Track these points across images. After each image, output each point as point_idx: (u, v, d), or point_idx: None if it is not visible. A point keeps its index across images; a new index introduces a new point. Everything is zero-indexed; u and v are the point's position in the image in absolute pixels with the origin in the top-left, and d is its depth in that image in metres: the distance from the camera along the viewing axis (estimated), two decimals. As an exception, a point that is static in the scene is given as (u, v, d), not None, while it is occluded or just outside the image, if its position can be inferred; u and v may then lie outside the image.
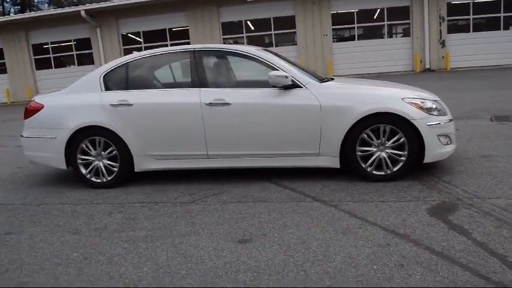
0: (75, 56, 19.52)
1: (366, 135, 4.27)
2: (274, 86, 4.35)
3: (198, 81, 4.53)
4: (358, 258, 2.72)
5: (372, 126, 4.24)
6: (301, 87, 4.36)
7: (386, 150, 4.28)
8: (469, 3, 16.66)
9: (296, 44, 17.27)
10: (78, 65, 19.43)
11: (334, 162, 4.38)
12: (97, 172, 4.66)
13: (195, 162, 4.60)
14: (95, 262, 2.93)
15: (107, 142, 4.59)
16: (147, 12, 17.38)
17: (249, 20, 17.28)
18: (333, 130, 4.28)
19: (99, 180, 4.67)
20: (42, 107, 4.74)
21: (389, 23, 16.96)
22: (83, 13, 17.34)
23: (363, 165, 4.32)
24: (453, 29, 16.87)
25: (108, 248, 3.16)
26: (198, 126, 4.45)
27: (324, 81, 4.59)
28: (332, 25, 16.89)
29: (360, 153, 4.31)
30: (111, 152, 4.60)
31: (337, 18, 16.96)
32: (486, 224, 3.09)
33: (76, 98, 4.72)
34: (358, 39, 17.13)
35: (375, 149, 4.29)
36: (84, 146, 4.61)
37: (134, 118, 4.53)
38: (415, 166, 4.35)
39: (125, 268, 2.82)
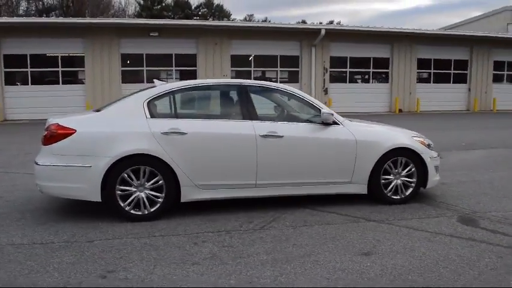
0: None
1: (388, 166, 5.00)
2: (319, 122, 4.86)
3: (248, 114, 4.69)
4: (469, 256, 3.48)
5: (392, 158, 5.01)
6: (339, 124, 4.94)
7: (401, 178, 5.08)
8: (346, 57, 19.47)
9: (196, 82, 17.62)
10: None
11: (363, 189, 5.02)
12: (137, 204, 4.33)
13: (242, 191, 4.66)
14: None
15: (152, 172, 4.33)
16: (35, 34, 15.78)
17: (150, 54, 17.06)
18: (364, 161, 4.92)
19: (139, 213, 4.33)
20: (73, 132, 4.24)
21: (281, 69, 18.64)
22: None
23: (385, 191, 5.03)
24: (333, 79, 19.42)
25: (262, 273, 3.14)
26: (251, 156, 4.57)
27: None
28: (231, 67, 17.79)
29: (383, 181, 5.02)
30: (156, 182, 4.34)
31: (236, 61, 17.97)
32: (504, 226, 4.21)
33: (115, 124, 4.37)
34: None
35: (393, 177, 5.04)
36: (126, 175, 4.26)
37: (187, 147, 4.41)
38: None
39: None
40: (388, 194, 5.05)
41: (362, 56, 19.63)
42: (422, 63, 20.50)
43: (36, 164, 4.31)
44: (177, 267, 3.27)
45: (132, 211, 4.32)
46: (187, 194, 4.47)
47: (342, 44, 18.88)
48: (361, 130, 5.06)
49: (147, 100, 4.52)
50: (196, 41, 17.32)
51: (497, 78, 22.01)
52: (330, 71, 19.07)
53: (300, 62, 18.69)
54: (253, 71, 18.41)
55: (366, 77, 20.44)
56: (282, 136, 4.67)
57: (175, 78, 17.75)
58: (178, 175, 4.38)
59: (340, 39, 18.62)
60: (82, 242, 3.76)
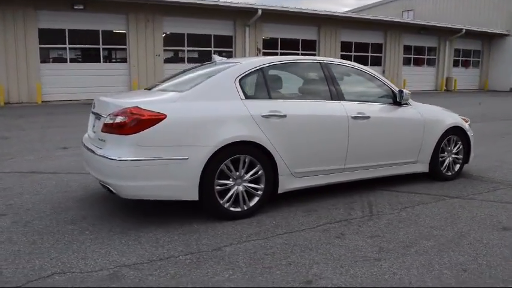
0: None
1: (444, 144, 5.09)
2: (394, 103, 4.76)
3: (336, 94, 4.38)
4: None
5: (448, 137, 5.11)
6: (409, 104, 4.86)
7: (452, 155, 5.23)
8: (277, 38, 19.46)
9: (126, 62, 16.13)
10: None
11: (425, 168, 5.09)
12: (235, 200, 3.71)
13: (333, 177, 4.34)
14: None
15: (252, 161, 3.75)
16: None
17: (74, 30, 15.05)
18: (429, 140, 4.99)
19: (238, 209, 3.73)
20: (164, 117, 3.43)
21: (215, 49, 17.92)
22: None
23: (441, 168, 5.14)
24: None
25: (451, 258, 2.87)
26: (343, 139, 4.28)
27: None
28: (164, 46, 16.59)
29: (440, 159, 5.10)
30: (255, 172, 3.77)
31: (169, 40, 16.80)
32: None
33: (209, 106, 3.66)
34: (188, 61, 17.41)
35: (447, 155, 5.18)
36: (225, 167, 3.61)
37: (287, 132, 3.91)
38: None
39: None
40: (443, 171, 5.17)
41: (292, 37, 19.81)
42: (346, 46, 21.40)
43: (108, 158, 3.41)
44: (363, 264, 2.88)
45: (231, 208, 3.70)
46: (285, 184, 3.98)
47: (274, 25, 18.80)
48: (426, 110, 5.10)
49: (238, 78, 3.87)
50: (126, 17, 15.74)
51: (406, 61, 23.99)
52: (263, 52, 18.91)
53: (234, 42, 18.18)
54: (187, 50, 17.41)
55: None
56: (369, 117, 4.43)
57: (104, 59, 16.04)
58: (277, 163, 3.86)
59: (273, 20, 18.51)
60: (208, 250, 3.10)
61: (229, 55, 18.20)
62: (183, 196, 3.53)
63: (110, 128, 3.49)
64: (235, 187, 3.70)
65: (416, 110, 4.91)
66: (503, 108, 15.25)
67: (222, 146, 3.55)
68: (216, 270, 2.78)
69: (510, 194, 4.62)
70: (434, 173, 5.10)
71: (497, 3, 27.06)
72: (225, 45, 18.13)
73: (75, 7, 14.66)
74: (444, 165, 5.16)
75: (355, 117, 4.31)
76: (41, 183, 4.81)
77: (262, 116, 3.78)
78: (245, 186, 3.75)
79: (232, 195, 3.68)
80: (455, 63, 26.24)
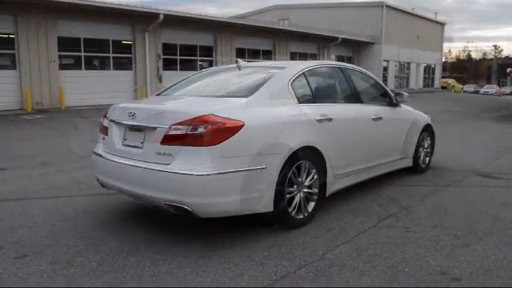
0: None
1: (420, 140, 5.79)
2: (391, 104, 5.26)
3: (356, 97, 4.75)
4: None
5: (424, 133, 5.83)
6: (400, 106, 5.40)
7: (425, 150, 6.01)
8: (176, 44, 19.09)
9: (15, 69, 14.21)
10: None
11: (410, 162, 5.71)
12: (297, 207, 3.73)
13: (357, 176, 4.63)
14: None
15: (310, 166, 3.82)
16: None
17: None
18: (414, 136, 5.66)
19: (300, 216, 3.76)
20: (242, 125, 3.28)
21: (114, 55, 16.84)
22: None
23: (419, 161, 5.84)
24: (167, 66, 18.78)
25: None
26: (368, 139, 4.60)
27: None
28: (59, 51, 15.04)
29: (420, 152, 5.79)
30: (312, 177, 3.84)
31: (65, 44, 15.27)
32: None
33: (275, 112, 3.64)
34: (86, 68, 16.06)
35: (421, 150, 5.91)
36: (292, 174, 3.62)
37: (333, 135, 4.10)
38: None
39: None
40: (421, 164, 5.85)
41: (190, 43, 19.64)
42: (241, 52, 21.95)
43: (186, 174, 3.11)
44: (460, 251, 3.20)
45: (296, 216, 3.70)
46: (331, 187, 4.14)
47: (173, 30, 18.40)
48: (410, 110, 5.71)
49: (290, 82, 3.88)
50: (14, 18, 13.86)
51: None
52: (163, 58, 18.39)
53: (134, 47, 17.31)
54: (84, 56, 16.03)
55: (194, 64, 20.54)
56: (382, 118, 4.81)
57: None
58: (328, 167, 3.98)
59: (172, 25, 18.11)
60: (315, 260, 3.08)
61: (129, 61, 17.33)
62: (260, 208, 3.41)
63: (180, 140, 3.19)
64: (298, 194, 3.72)
65: (405, 110, 5.49)
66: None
67: (293, 152, 3.55)
68: (347, 276, 2.81)
69: (485, 180, 5.46)
70: (416, 167, 5.73)
71: (364, 16, 30.58)
72: (125, 51, 17.19)
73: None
74: (421, 159, 5.84)
75: (374, 119, 4.66)
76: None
77: (317, 121, 3.87)
78: (305, 192, 3.79)
79: (297, 202, 3.69)
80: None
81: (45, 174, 5.83)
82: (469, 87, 47.39)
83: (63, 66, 15.32)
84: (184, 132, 3.17)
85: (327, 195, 4.08)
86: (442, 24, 39.70)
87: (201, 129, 3.14)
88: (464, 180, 5.47)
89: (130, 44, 17.30)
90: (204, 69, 5.10)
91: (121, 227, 3.77)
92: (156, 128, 3.35)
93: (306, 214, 3.78)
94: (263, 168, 3.35)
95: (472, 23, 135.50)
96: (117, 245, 3.34)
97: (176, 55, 19.24)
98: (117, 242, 3.41)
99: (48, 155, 7.19)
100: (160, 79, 18.38)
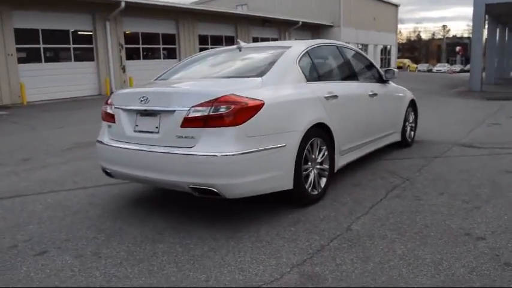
0: None
1: (407, 114, 6.02)
2: (382, 80, 5.41)
3: (354, 74, 4.87)
4: None
5: (408, 108, 6.06)
6: (389, 83, 5.58)
7: (410, 124, 6.23)
8: (138, 32, 18.58)
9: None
10: None
11: (399, 137, 5.93)
12: (311, 183, 3.80)
13: (358, 152, 4.76)
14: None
15: (321, 143, 3.89)
16: None
17: None
18: (402, 111, 5.87)
19: (315, 192, 3.84)
20: (263, 104, 3.28)
21: (74, 46, 16.19)
22: None
23: (405, 136, 6.05)
24: (130, 56, 18.26)
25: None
26: (367, 115, 4.75)
27: None
28: (16, 44, 14.27)
29: (406, 126, 6.01)
30: (323, 154, 3.92)
31: (21, 36, 14.49)
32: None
33: (289, 90, 3.70)
34: (46, 61, 15.35)
35: (408, 124, 6.14)
36: (307, 151, 3.68)
37: (339, 112, 4.19)
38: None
39: None
40: (407, 138, 6.08)
41: (152, 31, 19.18)
42: (203, 39, 21.70)
43: (212, 155, 3.08)
44: (477, 213, 3.39)
45: (311, 192, 3.77)
46: (338, 162, 4.25)
47: (134, 18, 17.89)
48: (397, 86, 5.92)
49: (298, 61, 3.91)
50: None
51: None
52: (126, 47, 17.88)
53: (95, 37, 16.71)
54: (43, 48, 15.29)
55: (157, 53, 20.11)
56: (377, 94, 4.95)
57: None
58: (336, 143, 4.07)
59: (134, 14, 17.60)
60: (343, 233, 3.17)
61: (91, 52, 16.72)
62: (280, 187, 3.45)
63: (202, 122, 3.15)
64: (312, 171, 3.78)
65: (394, 86, 5.66)
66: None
67: (308, 129, 3.60)
68: (380, 244, 2.92)
69: (470, 150, 5.75)
70: (404, 141, 5.94)
71: (323, 0, 30.93)
72: (86, 41, 16.56)
73: None
74: (407, 133, 6.06)
75: (371, 95, 4.80)
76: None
77: (325, 98, 3.94)
78: (317, 168, 3.86)
79: (311, 179, 3.75)
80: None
81: (30, 170, 5.58)
82: (423, 66, 49.35)
83: (22, 60, 14.60)
84: (206, 113, 3.13)
85: (335, 170, 4.17)
86: (396, 6, 40.83)
87: (223, 110, 3.11)
88: (450, 151, 5.74)
89: (91, 34, 16.73)
90: (202, 52, 5.01)
91: (134, 216, 3.70)
92: (174, 111, 3.29)
93: (319, 190, 3.86)
94: (283, 146, 3.39)
95: (420, 4, 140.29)
96: (140, 233, 3.28)
97: (139, 44, 18.77)
98: (138, 230, 3.35)
99: (27, 150, 6.87)
100: (124, 69, 17.89)
